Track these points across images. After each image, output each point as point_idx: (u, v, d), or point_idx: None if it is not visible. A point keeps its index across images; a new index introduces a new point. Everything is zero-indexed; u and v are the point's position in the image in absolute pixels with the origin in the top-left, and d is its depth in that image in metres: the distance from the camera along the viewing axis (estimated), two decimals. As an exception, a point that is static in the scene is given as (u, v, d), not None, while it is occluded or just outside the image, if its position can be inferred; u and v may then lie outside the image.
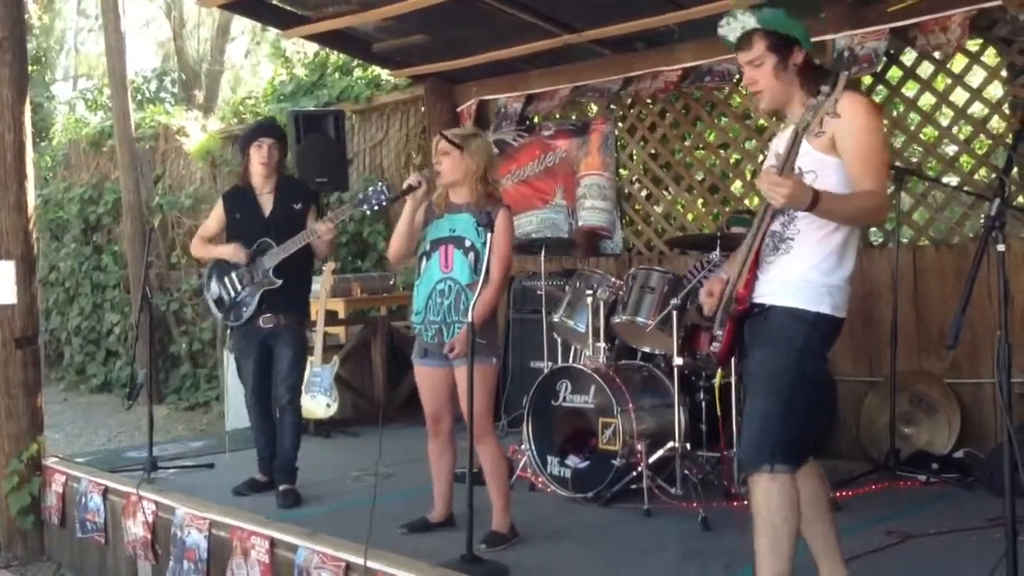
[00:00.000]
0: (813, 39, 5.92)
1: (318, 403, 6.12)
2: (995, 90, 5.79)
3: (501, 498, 3.96)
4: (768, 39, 2.90)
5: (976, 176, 5.82)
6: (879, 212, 2.89)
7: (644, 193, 6.90)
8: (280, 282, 4.68)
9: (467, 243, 3.86)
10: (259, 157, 4.75)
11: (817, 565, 3.05)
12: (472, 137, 3.98)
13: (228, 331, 5.25)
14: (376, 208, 4.33)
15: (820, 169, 2.83)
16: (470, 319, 3.60)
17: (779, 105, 2.99)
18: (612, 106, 6.89)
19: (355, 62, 9.03)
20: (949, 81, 5.52)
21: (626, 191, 6.95)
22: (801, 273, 2.86)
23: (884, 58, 5.37)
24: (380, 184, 4.37)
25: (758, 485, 2.81)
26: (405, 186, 3.97)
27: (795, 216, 2.86)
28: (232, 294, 4.79)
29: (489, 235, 3.72)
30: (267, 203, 4.80)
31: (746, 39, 2.94)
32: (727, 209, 6.37)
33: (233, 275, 4.79)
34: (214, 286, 4.87)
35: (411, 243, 4.02)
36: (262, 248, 4.71)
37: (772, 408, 2.82)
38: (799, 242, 2.87)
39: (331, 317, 6.78)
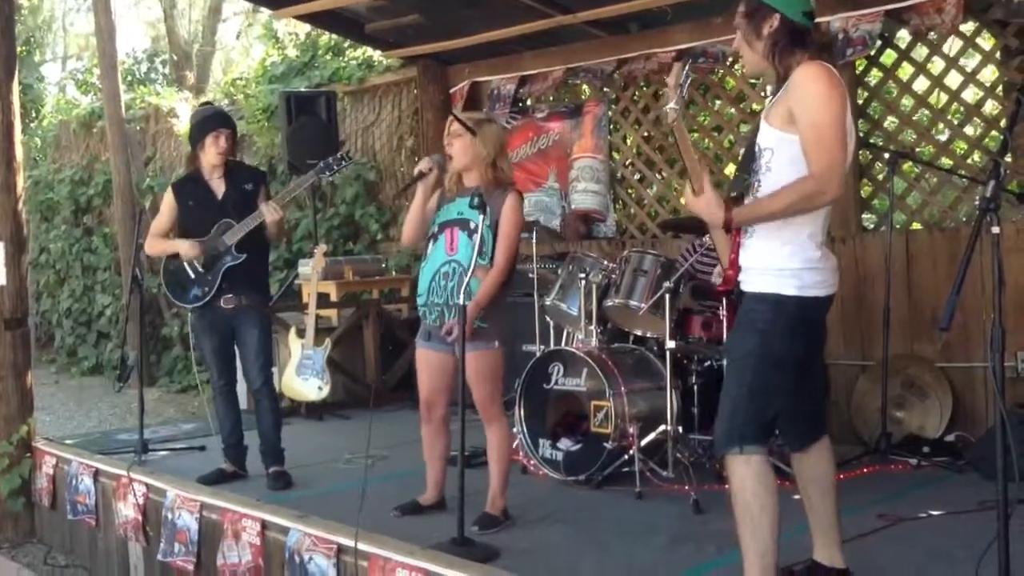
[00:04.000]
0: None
1: (310, 386, 6.09)
2: (989, 73, 5.77)
3: (500, 481, 3.96)
4: (747, 5, 2.83)
5: (969, 160, 5.81)
6: (816, 198, 2.69)
7: (637, 176, 6.89)
8: (244, 256, 4.68)
9: (472, 225, 3.83)
10: (217, 148, 4.73)
11: (812, 541, 3.07)
12: (485, 122, 3.97)
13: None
14: (336, 172, 4.32)
15: (776, 146, 2.78)
16: (460, 302, 3.59)
17: (759, 72, 2.96)
18: (605, 88, 6.86)
19: (347, 43, 8.98)
20: (943, 64, 5.51)
21: (619, 174, 6.93)
22: (762, 258, 2.84)
23: (879, 41, 5.35)
24: (340, 152, 4.38)
25: (732, 470, 2.81)
26: (416, 172, 3.98)
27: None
28: (193, 276, 4.75)
29: (481, 217, 3.70)
30: (219, 187, 4.78)
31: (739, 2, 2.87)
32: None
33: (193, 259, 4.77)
34: (174, 271, 4.83)
35: (423, 227, 4.02)
36: (223, 228, 4.70)
37: (739, 391, 2.82)
38: (758, 228, 2.86)
39: (323, 300, 6.76)
